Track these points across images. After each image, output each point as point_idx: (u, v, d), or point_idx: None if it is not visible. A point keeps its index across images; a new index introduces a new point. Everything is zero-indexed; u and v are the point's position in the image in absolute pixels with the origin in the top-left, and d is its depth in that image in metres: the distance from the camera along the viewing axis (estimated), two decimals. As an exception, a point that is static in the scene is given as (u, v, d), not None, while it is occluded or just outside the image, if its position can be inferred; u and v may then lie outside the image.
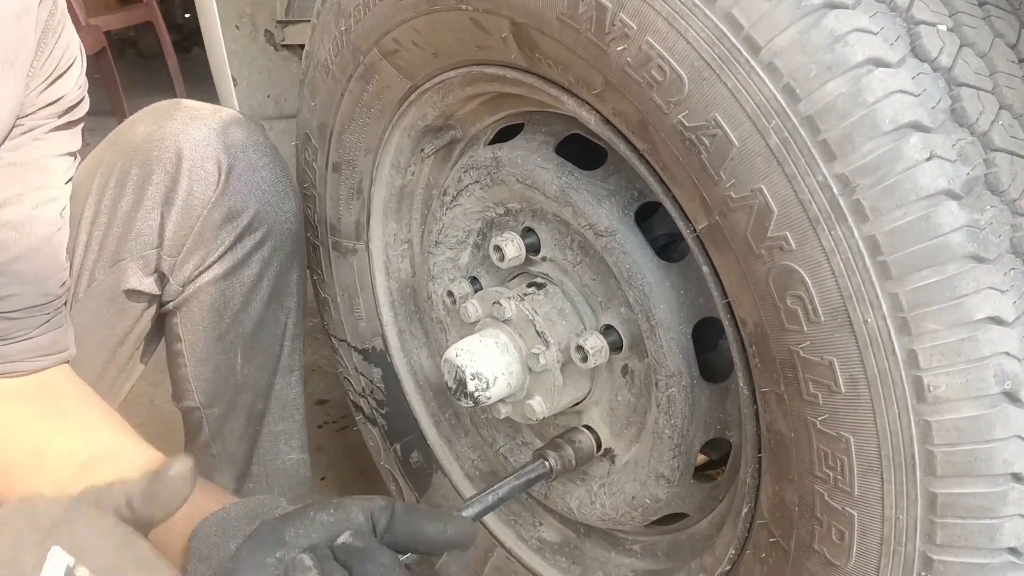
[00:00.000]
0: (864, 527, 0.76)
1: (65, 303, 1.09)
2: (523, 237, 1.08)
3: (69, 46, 1.04)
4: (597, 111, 0.88)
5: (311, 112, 1.24)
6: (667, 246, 0.98)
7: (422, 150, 1.19)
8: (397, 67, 1.08)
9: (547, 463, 1.06)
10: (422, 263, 1.29)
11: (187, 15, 5.75)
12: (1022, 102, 0.73)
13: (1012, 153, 0.70)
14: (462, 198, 1.13)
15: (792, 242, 0.72)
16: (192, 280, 1.20)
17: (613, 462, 1.11)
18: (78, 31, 1.08)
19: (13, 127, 0.99)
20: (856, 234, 0.69)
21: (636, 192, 0.96)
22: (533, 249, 1.08)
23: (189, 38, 5.81)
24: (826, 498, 0.78)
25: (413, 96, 1.11)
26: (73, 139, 1.08)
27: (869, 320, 0.70)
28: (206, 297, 1.21)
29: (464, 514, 0.94)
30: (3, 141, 0.98)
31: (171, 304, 1.23)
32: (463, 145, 1.20)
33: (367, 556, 0.72)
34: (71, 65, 1.05)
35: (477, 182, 1.10)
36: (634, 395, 1.04)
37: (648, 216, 0.98)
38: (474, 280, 1.18)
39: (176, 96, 5.48)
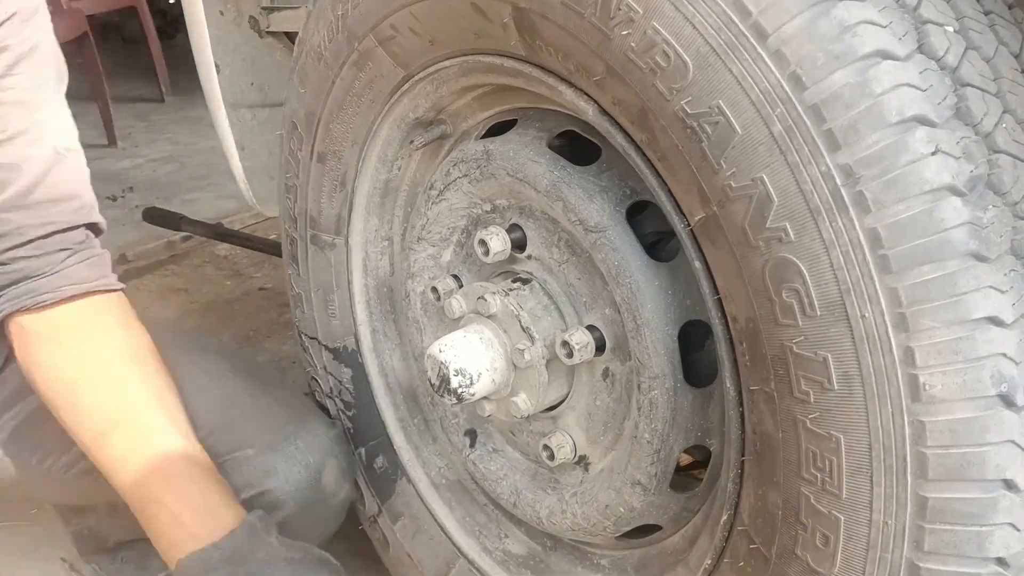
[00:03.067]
0: (850, 532, 0.74)
1: (94, 234, 1.20)
2: (509, 234, 1.06)
3: None
4: (595, 101, 0.87)
5: (300, 100, 1.22)
6: (656, 247, 0.96)
7: (411, 142, 1.17)
8: (392, 55, 1.07)
9: None
10: (401, 261, 1.26)
11: (171, 0, 5.71)
12: (1024, 108, 0.73)
13: (1014, 156, 0.70)
14: (449, 192, 1.11)
15: (791, 233, 0.70)
16: None
17: (587, 470, 1.08)
18: (59, 15, 1.13)
19: None
20: (857, 226, 0.68)
21: (629, 189, 0.95)
22: (518, 246, 1.06)
23: (173, 24, 5.73)
24: (812, 501, 0.76)
25: (406, 86, 1.09)
26: (42, 67, 1.15)
27: (867, 315, 0.68)
28: None
29: None
30: None
31: None
32: (452, 141, 1.18)
33: None
34: None
35: (466, 176, 1.08)
36: (613, 400, 1.02)
37: (638, 216, 0.96)
38: (455, 278, 1.16)
39: (159, 82, 5.37)
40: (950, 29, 0.72)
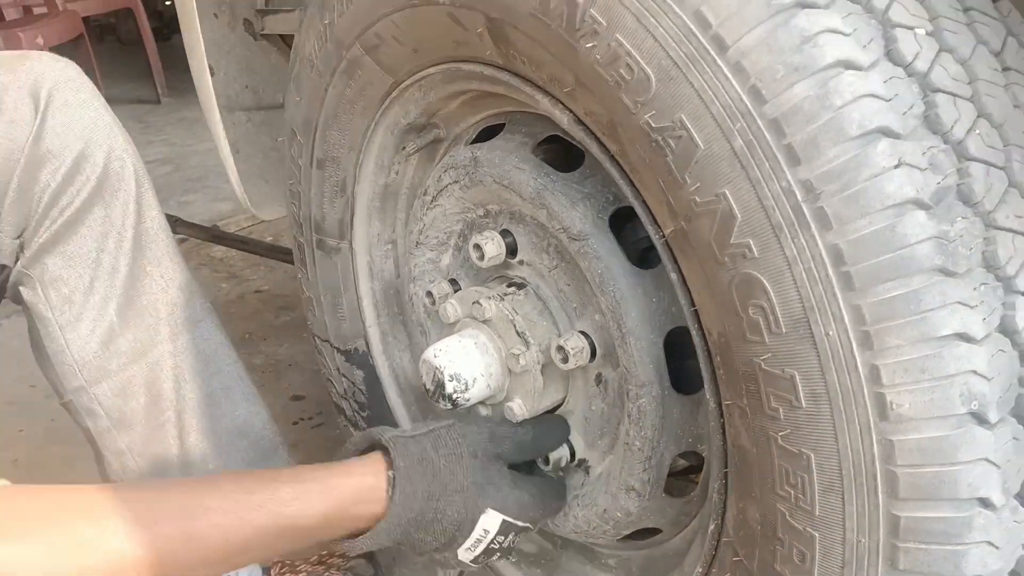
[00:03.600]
0: (825, 549, 0.73)
1: None
2: (502, 238, 1.06)
3: None
4: (570, 111, 0.86)
5: (297, 107, 1.23)
6: (644, 252, 0.95)
7: (404, 148, 1.17)
8: (379, 62, 1.07)
9: None
10: (405, 264, 1.27)
11: (168, 2, 5.75)
12: (1003, 111, 0.70)
13: (988, 163, 0.67)
14: (442, 198, 1.11)
15: (755, 249, 0.69)
16: (25, 249, 1.08)
17: (588, 473, 1.08)
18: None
19: None
20: (819, 243, 0.66)
21: (611, 196, 0.94)
22: (510, 251, 1.06)
23: (169, 25, 5.77)
24: (787, 517, 0.75)
25: (395, 93, 1.09)
26: None
27: (831, 333, 0.67)
28: (53, 265, 1.08)
29: None
30: None
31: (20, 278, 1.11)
32: (447, 145, 1.18)
33: None
34: None
35: (456, 182, 1.08)
36: (608, 405, 1.01)
37: (626, 223, 0.95)
38: (453, 282, 1.16)
39: (155, 84, 5.43)
40: (921, 32, 0.69)
